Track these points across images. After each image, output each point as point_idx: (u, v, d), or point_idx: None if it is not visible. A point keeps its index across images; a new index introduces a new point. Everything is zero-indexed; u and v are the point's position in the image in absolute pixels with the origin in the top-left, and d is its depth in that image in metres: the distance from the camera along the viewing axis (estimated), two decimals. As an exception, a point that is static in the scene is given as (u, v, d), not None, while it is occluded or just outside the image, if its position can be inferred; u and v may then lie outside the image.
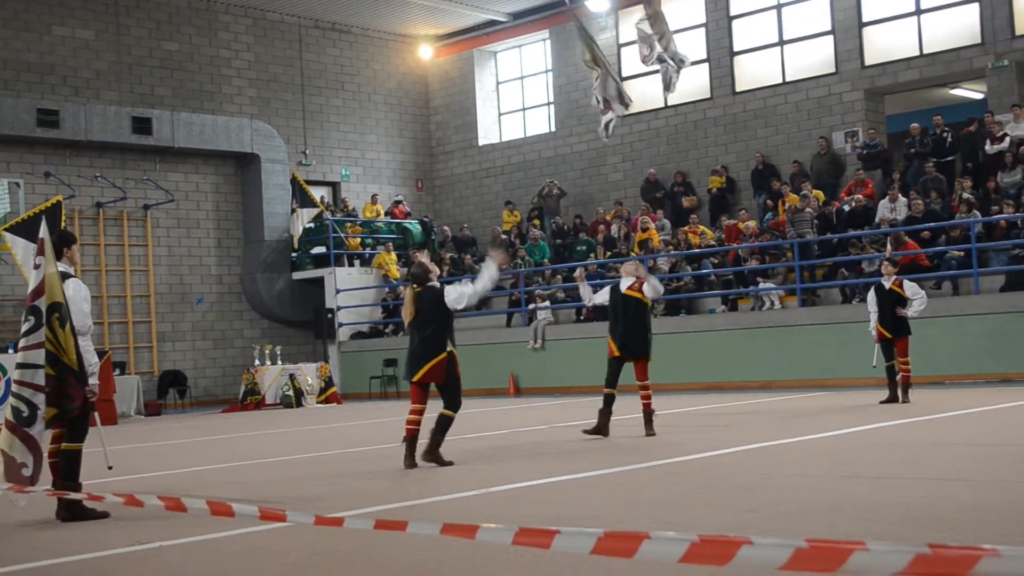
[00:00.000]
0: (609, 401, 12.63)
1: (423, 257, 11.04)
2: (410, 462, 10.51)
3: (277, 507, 5.96)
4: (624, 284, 12.74)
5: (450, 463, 10.49)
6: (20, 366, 7.76)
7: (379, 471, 10.61)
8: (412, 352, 10.64)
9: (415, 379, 10.57)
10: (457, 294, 10.47)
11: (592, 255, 25.75)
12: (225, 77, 29.04)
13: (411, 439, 10.61)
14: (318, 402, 24.72)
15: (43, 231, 7.95)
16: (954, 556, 2.50)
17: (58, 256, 8.44)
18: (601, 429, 12.47)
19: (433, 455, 10.51)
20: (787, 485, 8.21)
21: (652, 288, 12.69)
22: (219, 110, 28.57)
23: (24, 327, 7.79)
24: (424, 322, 10.52)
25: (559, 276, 25.74)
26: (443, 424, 10.65)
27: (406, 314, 10.66)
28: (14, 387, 7.74)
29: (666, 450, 10.84)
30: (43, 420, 7.78)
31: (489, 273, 10.60)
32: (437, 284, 10.72)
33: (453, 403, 10.71)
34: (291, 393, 24.37)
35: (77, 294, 8.37)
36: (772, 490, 7.98)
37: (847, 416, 13.79)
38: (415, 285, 10.67)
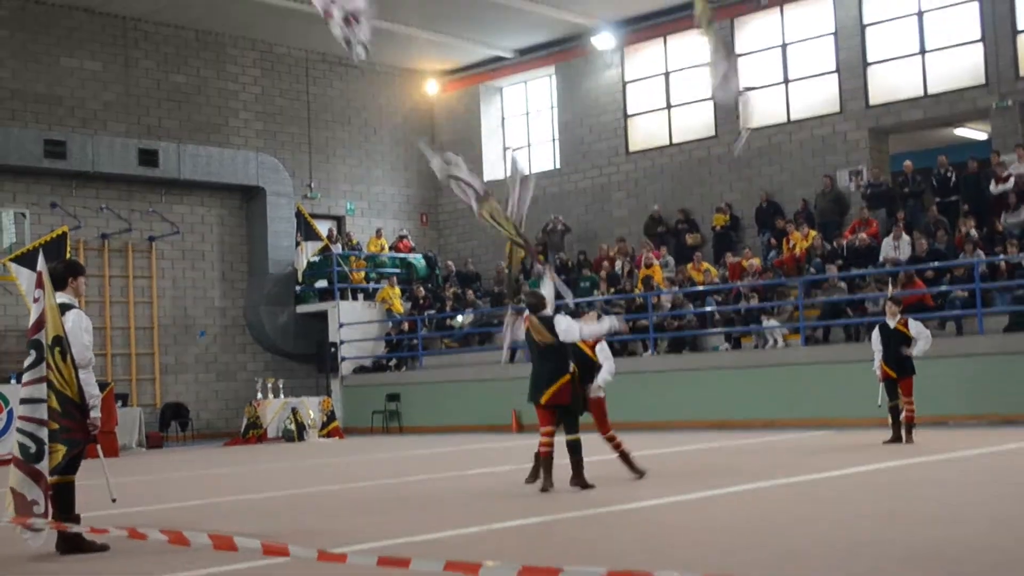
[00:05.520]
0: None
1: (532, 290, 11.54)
2: (548, 483, 10.84)
3: (279, 541, 5.93)
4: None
5: (592, 486, 10.76)
6: (24, 401, 7.72)
7: (381, 506, 10.57)
8: (536, 376, 11.07)
9: (543, 401, 10.95)
10: (567, 326, 11.02)
11: (596, 291, 25.75)
12: (232, 110, 29.14)
13: (548, 460, 10.94)
14: (320, 436, 24.63)
15: (40, 264, 7.94)
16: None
17: (63, 286, 8.41)
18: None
19: (580, 480, 10.82)
20: (788, 524, 8.17)
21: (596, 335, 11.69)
22: (226, 143, 28.66)
23: (27, 361, 7.75)
24: (546, 347, 11.02)
25: (562, 312, 25.67)
26: (576, 448, 10.91)
27: (541, 337, 11.03)
28: (19, 423, 7.69)
29: (667, 488, 10.79)
30: (49, 456, 7.72)
31: (603, 327, 11.28)
32: (549, 313, 11.37)
33: (575, 427, 11.01)
34: (293, 427, 24.28)
35: (77, 326, 8.30)
36: (774, 530, 7.94)
37: (850, 456, 13.74)
38: (533, 313, 11.23)
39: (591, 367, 11.87)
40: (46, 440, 7.65)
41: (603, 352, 12.11)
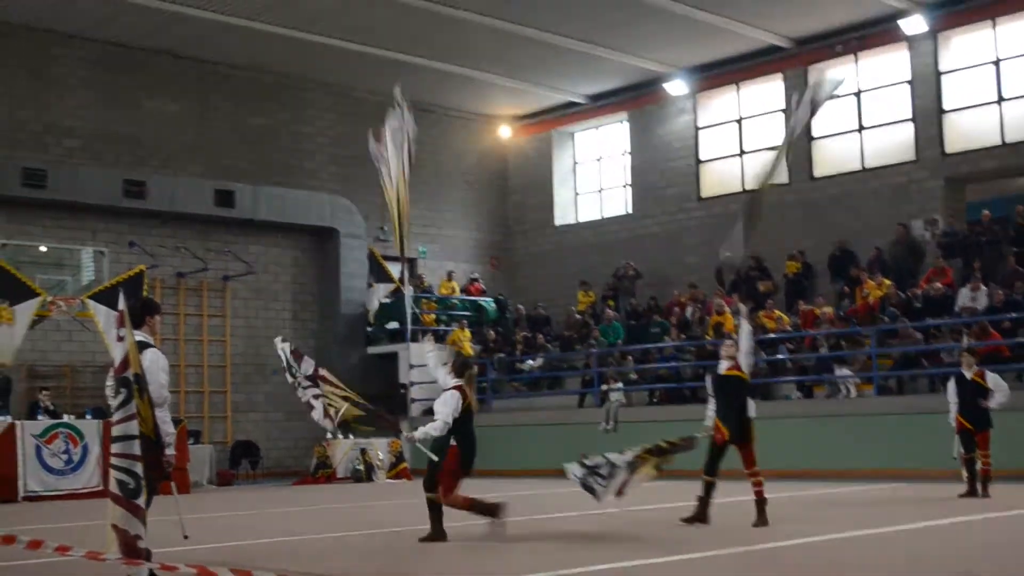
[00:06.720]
0: (710, 488, 12.33)
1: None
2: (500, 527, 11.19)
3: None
4: (723, 367, 12.66)
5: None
6: (117, 439, 7.78)
7: (449, 549, 10.56)
8: (473, 442, 11.38)
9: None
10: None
11: (666, 337, 25.63)
12: (307, 152, 29.52)
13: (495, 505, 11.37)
14: (388, 477, 24.70)
15: (121, 303, 8.04)
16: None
17: (140, 324, 8.51)
18: (701, 517, 12.16)
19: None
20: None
21: (746, 354, 12.44)
22: (300, 185, 29.00)
23: (117, 399, 7.80)
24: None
25: (632, 357, 25.62)
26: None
27: (473, 400, 11.45)
28: (115, 460, 7.74)
29: (731, 539, 10.67)
30: (146, 490, 7.79)
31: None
32: None
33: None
34: (362, 467, 24.38)
35: (155, 364, 8.39)
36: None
37: (924, 509, 13.51)
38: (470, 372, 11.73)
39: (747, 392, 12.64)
40: (142, 475, 7.71)
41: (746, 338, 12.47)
